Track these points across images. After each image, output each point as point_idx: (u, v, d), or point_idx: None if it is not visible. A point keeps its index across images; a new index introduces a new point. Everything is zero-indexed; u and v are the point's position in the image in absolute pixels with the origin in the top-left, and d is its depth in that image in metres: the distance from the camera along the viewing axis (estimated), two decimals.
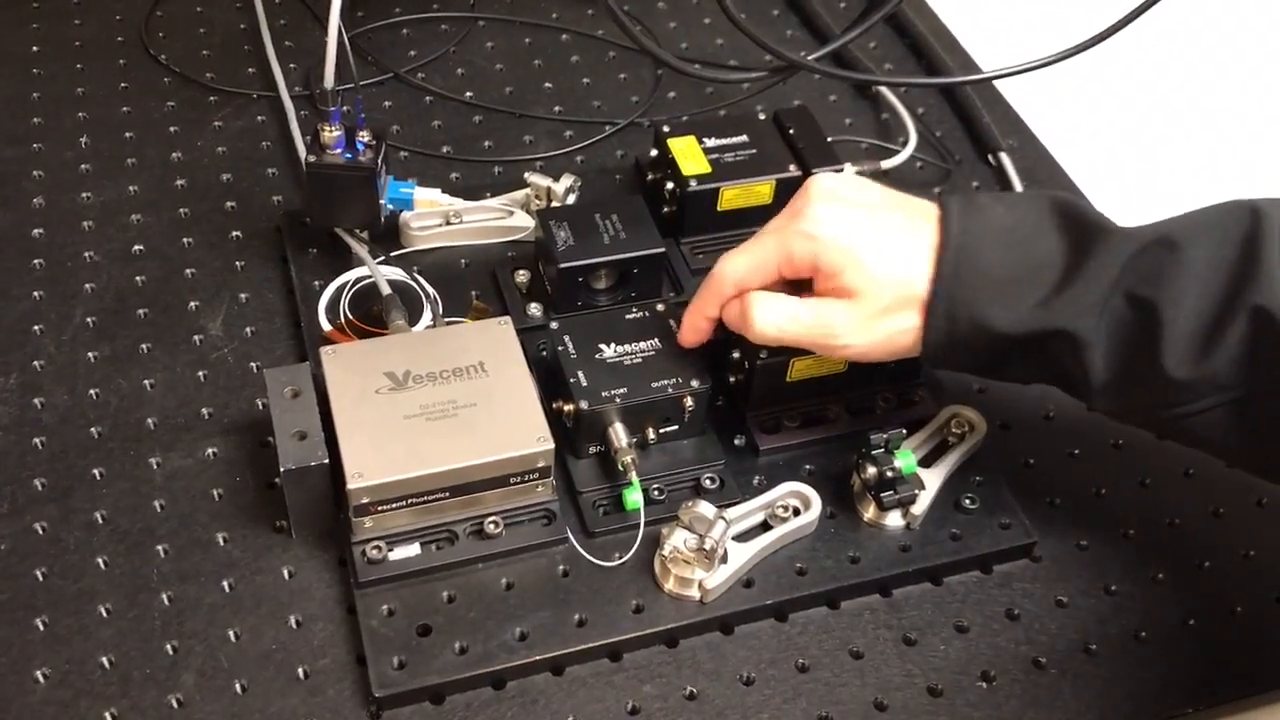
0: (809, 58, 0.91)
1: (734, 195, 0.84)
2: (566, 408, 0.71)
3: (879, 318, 0.65)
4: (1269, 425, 0.61)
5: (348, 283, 0.82)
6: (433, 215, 0.85)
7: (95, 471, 0.73)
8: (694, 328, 0.72)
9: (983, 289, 0.64)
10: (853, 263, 0.65)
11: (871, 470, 0.70)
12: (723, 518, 0.67)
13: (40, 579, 0.68)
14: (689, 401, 0.71)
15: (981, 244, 0.64)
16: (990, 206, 0.66)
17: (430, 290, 0.82)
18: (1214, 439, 0.63)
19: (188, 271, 0.85)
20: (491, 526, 0.69)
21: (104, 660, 0.65)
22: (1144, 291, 0.62)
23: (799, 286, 0.69)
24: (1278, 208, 0.62)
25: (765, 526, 0.71)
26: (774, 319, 0.67)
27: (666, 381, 0.71)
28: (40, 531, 0.70)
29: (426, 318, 0.80)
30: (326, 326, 0.79)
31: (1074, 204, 0.66)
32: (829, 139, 0.88)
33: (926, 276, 0.64)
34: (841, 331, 0.66)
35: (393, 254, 0.84)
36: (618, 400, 0.70)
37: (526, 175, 0.87)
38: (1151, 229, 0.64)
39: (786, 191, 0.85)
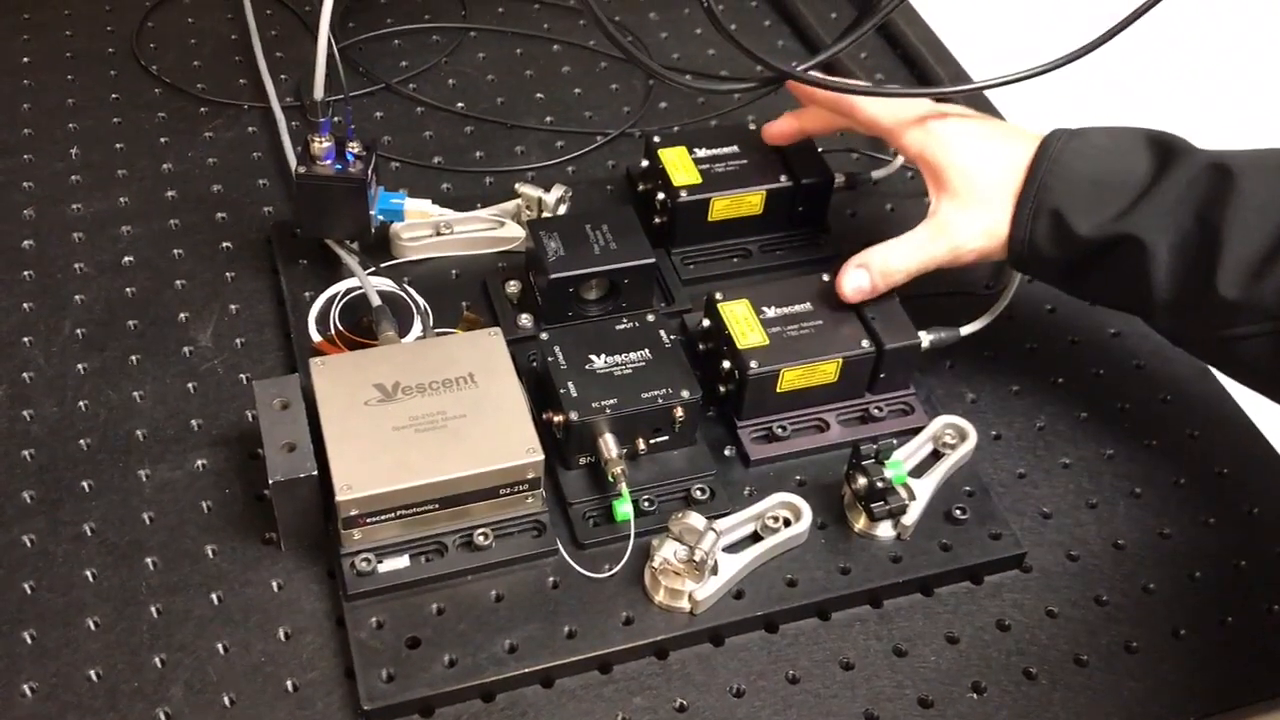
0: (800, 68, 0.91)
1: (724, 205, 0.84)
2: (556, 418, 0.71)
3: (975, 208, 0.73)
4: None
5: (338, 294, 0.82)
6: (423, 226, 0.85)
7: (84, 484, 0.73)
8: (783, 130, 0.85)
9: (1069, 193, 0.70)
10: (951, 160, 0.74)
11: (862, 481, 0.70)
12: (713, 529, 0.67)
13: (28, 591, 0.68)
14: (679, 412, 0.71)
15: (1073, 156, 0.71)
16: (1091, 131, 0.73)
17: (420, 301, 0.82)
18: (1261, 367, 0.67)
19: (178, 283, 0.84)
20: (481, 538, 0.68)
21: (92, 673, 0.65)
22: (1207, 213, 0.67)
23: None
24: None
25: (756, 537, 0.71)
26: (891, 258, 0.76)
27: (657, 392, 0.71)
28: (28, 544, 0.70)
29: (417, 329, 0.80)
30: (316, 338, 0.79)
31: (1165, 134, 0.71)
32: (820, 149, 0.88)
33: (1021, 176, 0.72)
34: (945, 220, 0.74)
35: (383, 265, 0.84)
36: (608, 411, 0.70)
37: (517, 186, 0.87)
38: (1216, 153, 0.69)
39: (777, 202, 0.85)
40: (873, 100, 0.79)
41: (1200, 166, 0.68)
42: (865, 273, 0.76)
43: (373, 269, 0.82)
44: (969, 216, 0.74)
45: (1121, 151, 0.71)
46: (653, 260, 0.80)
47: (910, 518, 0.71)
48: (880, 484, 0.70)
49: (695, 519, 0.67)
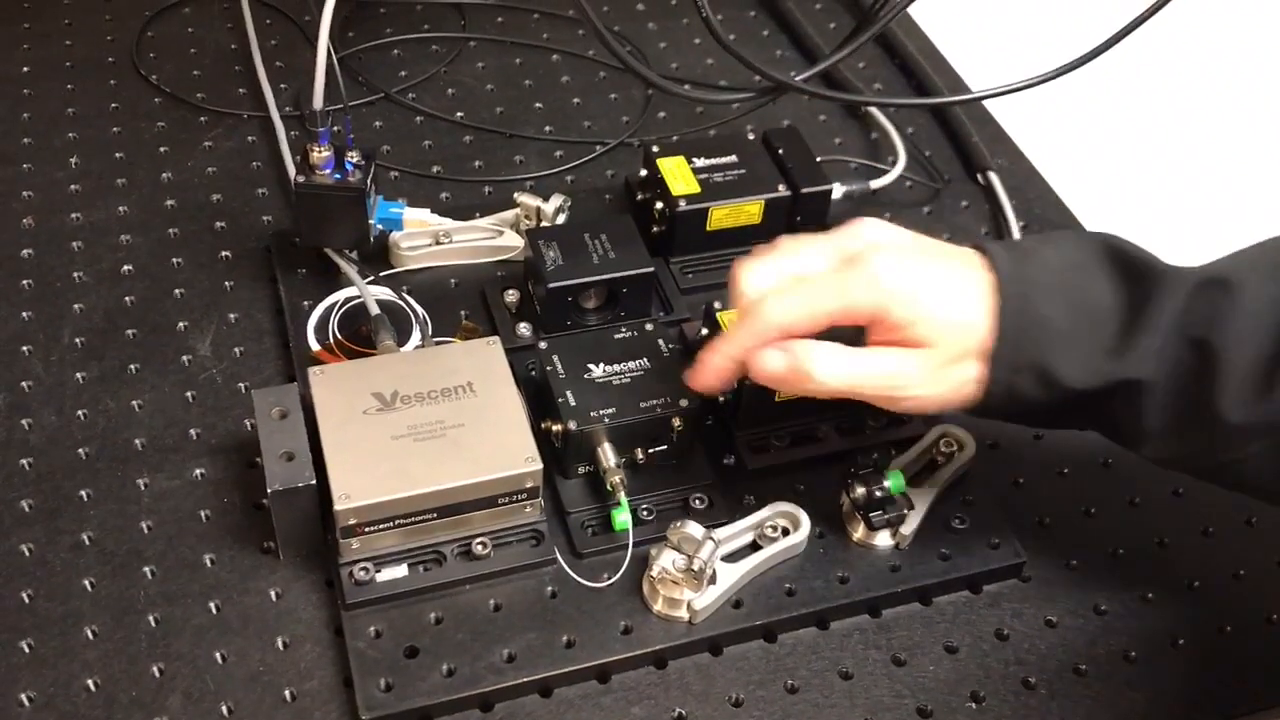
0: (798, 78, 0.91)
1: (723, 215, 0.85)
2: (555, 428, 0.71)
3: (946, 367, 0.63)
4: None
5: (337, 303, 0.82)
6: (422, 235, 0.85)
7: (82, 493, 0.73)
8: (717, 370, 0.65)
9: (1045, 340, 0.61)
10: (923, 315, 0.61)
11: (861, 490, 0.70)
12: (711, 538, 0.67)
13: (26, 600, 0.68)
14: (678, 421, 0.71)
15: (1036, 291, 0.62)
16: (1037, 250, 0.64)
17: (419, 310, 0.82)
18: (1265, 482, 0.62)
19: (177, 292, 0.85)
20: (479, 547, 0.68)
21: (90, 683, 0.64)
22: (1201, 334, 0.60)
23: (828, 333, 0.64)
24: None
25: (754, 547, 0.71)
26: (839, 370, 0.62)
27: (655, 401, 0.71)
28: (26, 553, 0.70)
29: (415, 338, 0.80)
30: (315, 347, 0.79)
31: (1121, 245, 0.64)
32: (818, 159, 0.88)
33: (987, 325, 0.62)
34: (912, 383, 0.62)
35: (382, 274, 0.84)
36: (606, 420, 0.70)
37: (516, 195, 0.87)
38: (1203, 269, 0.62)
39: (775, 211, 0.85)
40: (821, 354, 0.62)
41: (1189, 288, 0.61)
42: (784, 358, 0.62)
43: (371, 278, 0.83)
44: (942, 374, 0.63)
45: (1081, 279, 0.63)
46: (651, 269, 0.80)
47: (909, 527, 0.71)
48: (879, 493, 0.70)
49: (694, 528, 0.67)
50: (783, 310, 0.62)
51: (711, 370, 0.66)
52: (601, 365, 0.73)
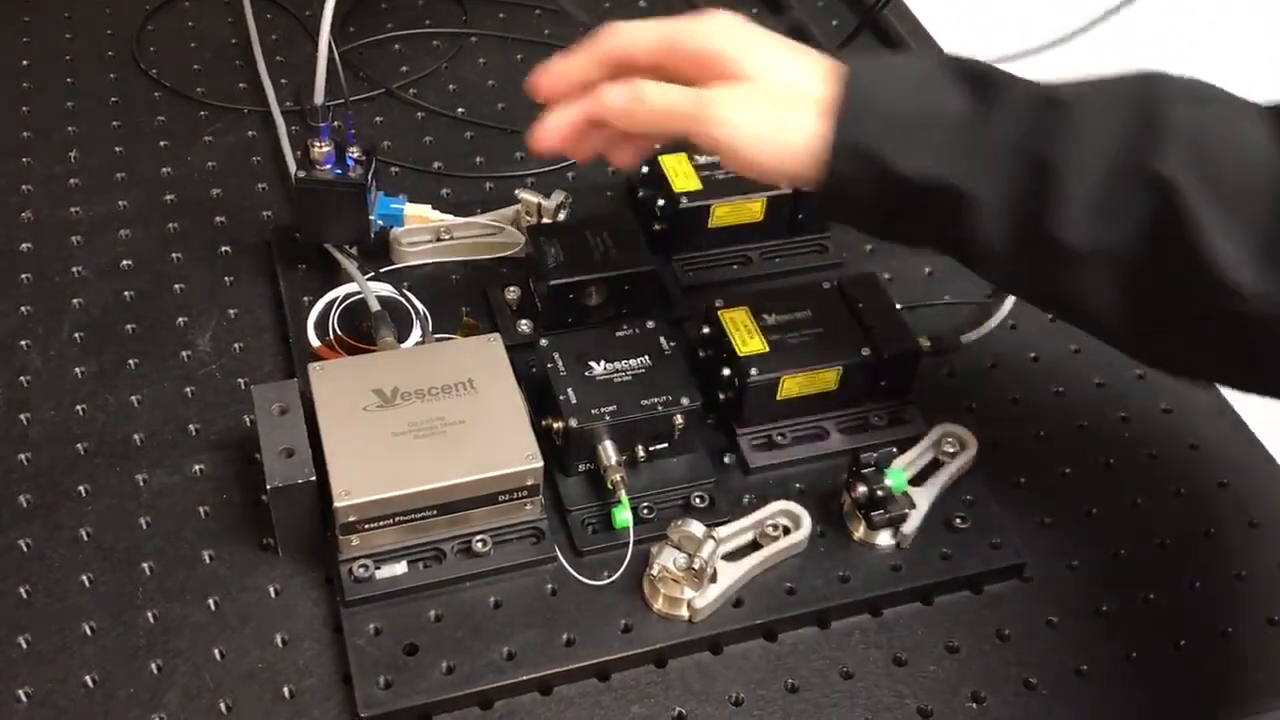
0: None
1: (725, 212, 0.84)
2: (556, 425, 0.71)
3: (769, 105, 0.62)
4: (1150, 298, 0.59)
5: (337, 299, 0.82)
6: (423, 231, 0.85)
7: (81, 488, 0.72)
8: (557, 80, 0.66)
9: (884, 124, 0.61)
10: (757, 57, 0.62)
11: (862, 489, 0.70)
12: (712, 536, 0.67)
13: (24, 596, 0.67)
14: (679, 419, 0.71)
15: (880, 78, 0.62)
16: (882, 55, 0.65)
17: (420, 307, 0.81)
18: (1099, 313, 0.61)
19: (176, 287, 0.84)
20: (479, 545, 0.68)
21: (88, 679, 0.64)
22: (1041, 151, 0.59)
23: None
24: (1178, 81, 0.60)
25: (755, 545, 0.70)
26: (669, 94, 0.63)
27: (656, 399, 0.71)
28: (24, 548, 0.69)
29: (416, 334, 0.80)
30: (315, 343, 0.79)
31: (973, 62, 0.63)
32: None
33: (827, 88, 0.61)
34: (722, 105, 0.62)
35: (382, 270, 0.84)
36: (607, 418, 0.70)
37: (517, 192, 0.87)
38: (1045, 88, 0.61)
39: (778, 208, 0.85)
40: (651, 84, 0.64)
41: (1024, 101, 0.60)
42: (624, 88, 0.64)
43: (372, 274, 0.82)
44: (763, 109, 0.62)
45: (924, 78, 0.62)
46: (652, 267, 0.80)
47: (910, 526, 0.71)
48: (880, 492, 0.70)
49: (694, 526, 0.66)
50: (627, 29, 0.65)
51: (553, 81, 0.67)
52: (602, 363, 0.73)
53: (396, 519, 0.66)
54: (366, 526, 0.66)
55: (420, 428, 0.67)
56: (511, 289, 0.83)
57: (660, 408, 0.71)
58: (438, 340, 0.79)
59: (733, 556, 0.69)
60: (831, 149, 0.61)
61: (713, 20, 0.64)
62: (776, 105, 0.62)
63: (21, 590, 0.68)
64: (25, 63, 1.01)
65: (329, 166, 0.78)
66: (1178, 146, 0.57)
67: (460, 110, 1.00)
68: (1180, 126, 0.57)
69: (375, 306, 0.78)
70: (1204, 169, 0.56)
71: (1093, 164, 0.58)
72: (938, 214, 0.61)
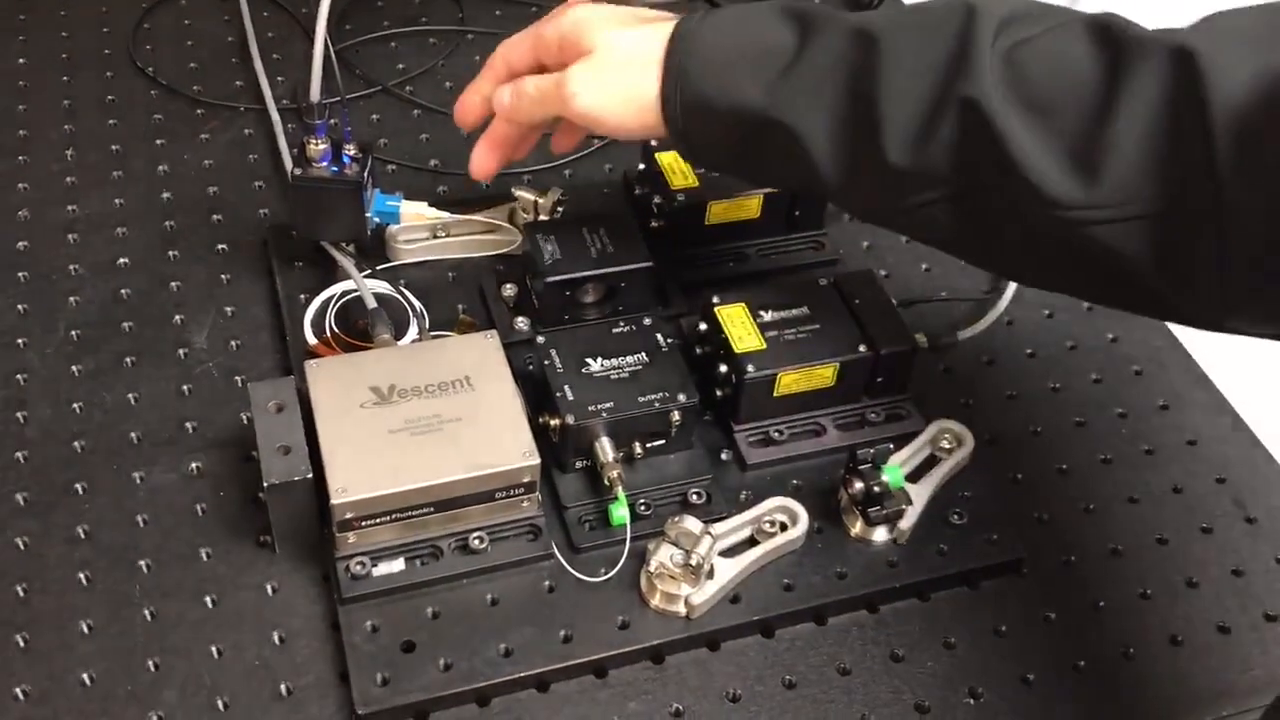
0: None
1: (722, 209, 0.84)
2: (553, 422, 0.71)
3: (616, 71, 0.67)
4: (981, 215, 0.62)
5: (333, 296, 0.82)
6: (419, 229, 0.85)
7: (78, 486, 0.72)
8: (469, 105, 0.75)
9: (707, 65, 0.65)
10: (592, 30, 0.68)
11: (859, 485, 0.70)
12: (709, 533, 0.67)
13: (20, 595, 0.67)
14: (676, 416, 0.71)
15: (705, 26, 0.66)
16: (726, 6, 0.68)
17: (416, 304, 0.81)
18: (940, 232, 0.64)
19: (173, 285, 0.84)
20: (476, 542, 0.68)
21: (85, 677, 0.64)
22: (858, 85, 0.62)
23: None
24: (994, 4, 0.61)
25: (752, 542, 0.70)
26: (535, 83, 0.70)
27: (653, 396, 0.71)
28: (21, 546, 0.69)
29: (412, 331, 0.80)
30: (312, 340, 0.79)
31: (805, 3, 0.67)
32: None
33: (661, 44, 0.66)
34: (575, 79, 0.68)
35: (379, 267, 0.84)
36: (604, 415, 0.70)
37: (514, 189, 0.87)
38: (866, 19, 0.64)
39: (774, 206, 0.85)
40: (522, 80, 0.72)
41: (841, 35, 0.63)
42: (509, 88, 0.72)
43: (368, 271, 0.82)
44: (611, 78, 0.68)
45: (755, 21, 0.66)
46: (649, 264, 0.80)
47: (907, 522, 0.71)
48: (877, 488, 0.70)
49: (691, 523, 0.66)
50: (506, 42, 0.74)
51: (466, 107, 0.76)
52: (599, 360, 0.73)
53: (393, 516, 0.66)
54: (363, 523, 0.66)
55: (417, 425, 0.67)
56: (508, 286, 0.83)
57: (657, 404, 0.71)
58: (434, 337, 0.79)
59: (730, 553, 0.69)
60: (663, 98, 0.66)
61: (566, 10, 0.71)
62: (623, 70, 0.68)
63: (18, 588, 0.67)
64: (22, 61, 1.01)
65: (325, 164, 0.78)
66: (988, 68, 0.59)
67: None
68: (993, 47, 0.59)
69: (372, 304, 0.78)
70: (1016, 88, 0.58)
71: (907, 92, 0.61)
72: (774, 150, 0.65)
